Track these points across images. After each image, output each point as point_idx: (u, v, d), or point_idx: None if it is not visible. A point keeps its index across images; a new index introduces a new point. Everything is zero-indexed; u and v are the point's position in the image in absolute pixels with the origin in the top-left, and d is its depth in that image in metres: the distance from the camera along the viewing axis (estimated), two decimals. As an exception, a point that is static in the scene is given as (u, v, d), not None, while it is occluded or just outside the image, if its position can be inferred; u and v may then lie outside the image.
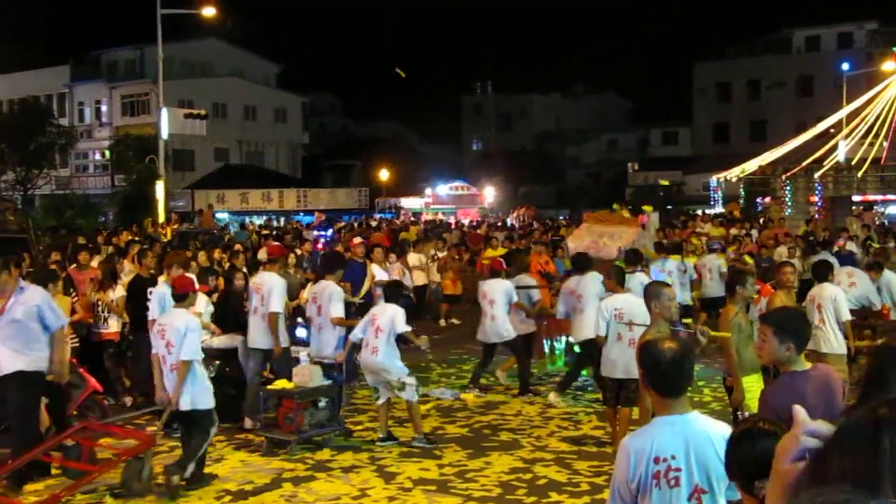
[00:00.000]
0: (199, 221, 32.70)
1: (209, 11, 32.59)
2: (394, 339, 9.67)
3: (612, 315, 9.43)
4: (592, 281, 11.38)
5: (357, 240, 17.51)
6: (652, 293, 7.73)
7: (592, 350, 10.55)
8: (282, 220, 41.87)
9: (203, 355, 9.02)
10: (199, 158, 54.37)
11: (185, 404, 8.01)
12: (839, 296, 10.37)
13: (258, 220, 40.29)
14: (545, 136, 72.01)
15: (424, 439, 9.66)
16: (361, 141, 70.12)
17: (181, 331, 8.00)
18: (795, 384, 4.56)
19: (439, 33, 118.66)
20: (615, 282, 10.08)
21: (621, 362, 9.25)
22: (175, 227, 28.15)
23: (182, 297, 8.37)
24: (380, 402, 9.81)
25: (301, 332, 11.32)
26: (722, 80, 63.57)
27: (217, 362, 10.36)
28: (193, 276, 9.68)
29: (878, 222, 31.59)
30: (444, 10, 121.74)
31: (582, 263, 11.94)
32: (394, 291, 10.23)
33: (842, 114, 34.57)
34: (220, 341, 10.66)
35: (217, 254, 16.43)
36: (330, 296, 10.17)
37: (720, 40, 66.60)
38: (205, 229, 28.37)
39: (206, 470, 8.40)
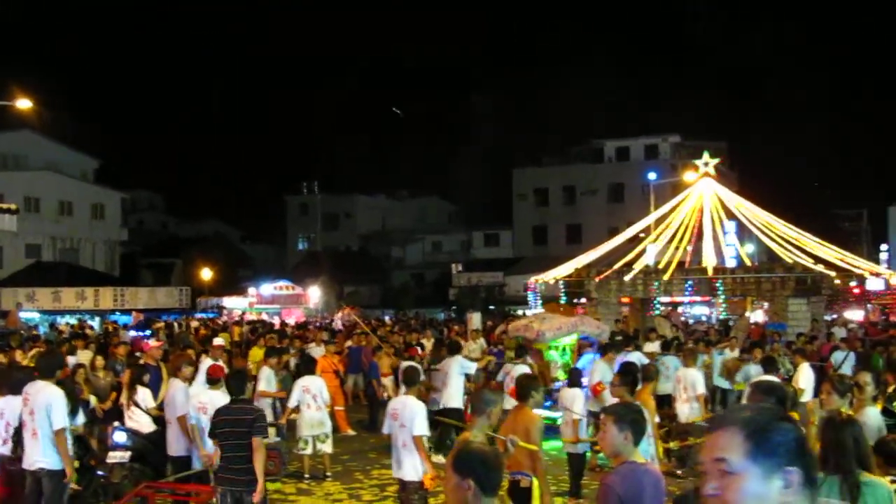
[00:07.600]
0: (4, 322, 30.98)
1: (24, 104, 31.29)
2: None
3: (389, 415, 9.35)
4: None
5: (153, 342, 17.20)
6: (488, 401, 7.05)
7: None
8: (97, 319, 40.18)
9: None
10: (8, 255, 51.75)
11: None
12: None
13: (72, 320, 38.53)
14: (371, 237, 72.74)
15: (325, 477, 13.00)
16: (183, 239, 68.74)
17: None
18: (638, 475, 4.85)
19: (264, 131, 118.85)
20: (406, 381, 9.74)
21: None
22: (-22, 326, 26.56)
23: (216, 381, 10.58)
24: (307, 452, 13.06)
25: (119, 436, 10.85)
26: (540, 185, 66.39)
27: None
28: (223, 365, 12.81)
29: (683, 321, 33.46)
30: (269, 108, 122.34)
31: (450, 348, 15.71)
32: None
33: (649, 219, 36.34)
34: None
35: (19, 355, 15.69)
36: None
37: (538, 149, 69.36)
38: (10, 329, 26.88)
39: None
